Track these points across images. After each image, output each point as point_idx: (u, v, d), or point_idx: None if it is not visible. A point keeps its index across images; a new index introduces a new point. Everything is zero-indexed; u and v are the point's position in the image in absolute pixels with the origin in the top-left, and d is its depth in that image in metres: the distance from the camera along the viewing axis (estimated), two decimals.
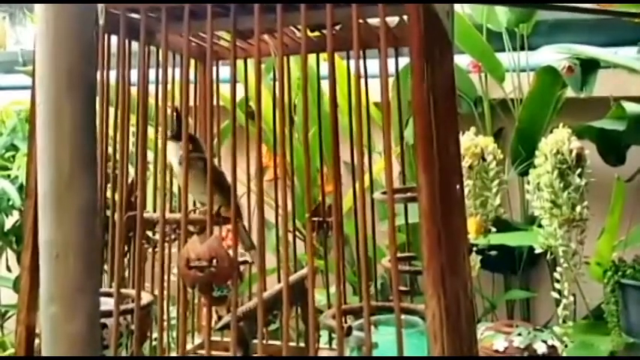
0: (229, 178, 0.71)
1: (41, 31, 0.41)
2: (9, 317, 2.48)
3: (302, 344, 0.95)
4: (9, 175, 2.05)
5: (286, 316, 0.61)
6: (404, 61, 1.01)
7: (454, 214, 0.71)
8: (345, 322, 0.78)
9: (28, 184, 0.64)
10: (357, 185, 0.94)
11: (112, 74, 0.81)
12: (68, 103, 0.40)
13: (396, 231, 0.58)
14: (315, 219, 0.96)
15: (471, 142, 1.76)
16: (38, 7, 0.41)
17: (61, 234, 0.41)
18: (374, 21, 0.76)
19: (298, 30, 0.85)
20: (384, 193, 0.81)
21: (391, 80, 1.01)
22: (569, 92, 2.05)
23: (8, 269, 2.31)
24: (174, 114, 0.86)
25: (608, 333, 1.68)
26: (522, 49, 2.24)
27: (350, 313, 0.82)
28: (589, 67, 2.02)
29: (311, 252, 0.61)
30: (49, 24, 0.40)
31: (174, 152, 0.86)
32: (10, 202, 2.01)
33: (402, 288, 0.88)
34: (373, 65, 0.86)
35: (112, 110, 0.83)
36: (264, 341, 0.93)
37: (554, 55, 2.06)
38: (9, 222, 2.11)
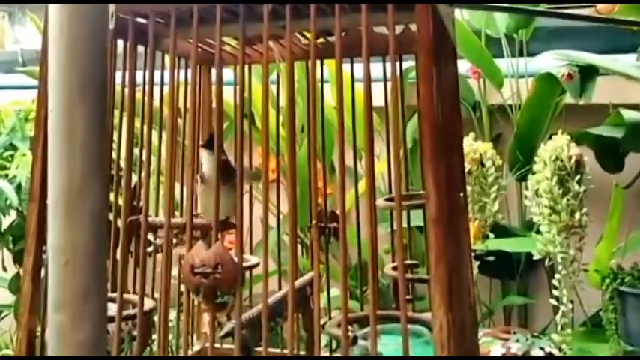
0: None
1: (54, 36, 0.41)
2: (3, 317, 2.47)
3: (302, 351, 0.94)
4: (7, 175, 2.04)
5: (290, 324, 0.61)
6: (404, 64, 1.01)
7: (458, 221, 0.70)
8: (349, 331, 0.78)
9: (32, 187, 0.64)
10: (360, 192, 0.94)
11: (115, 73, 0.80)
12: (81, 109, 0.40)
13: (401, 237, 0.58)
14: (318, 224, 0.96)
15: (470, 147, 1.77)
16: (52, 13, 0.41)
17: (71, 240, 0.41)
18: (378, 29, 0.76)
19: (303, 37, 0.85)
20: (387, 199, 0.81)
21: (389, 84, 1.01)
22: (568, 98, 2.05)
23: (4, 269, 2.30)
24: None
25: (606, 340, 1.68)
26: (521, 55, 2.24)
27: (354, 322, 0.82)
28: (588, 73, 2.02)
29: (317, 258, 0.61)
30: (62, 30, 0.40)
31: (207, 161, 0.83)
32: (8, 202, 2.00)
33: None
34: (374, 68, 0.86)
35: (113, 113, 0.83)
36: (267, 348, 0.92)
37: (553, 61, 2.06)
38: (6, 222, 2.10)
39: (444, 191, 0.52)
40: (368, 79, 0.60)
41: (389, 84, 1.54)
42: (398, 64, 0.93)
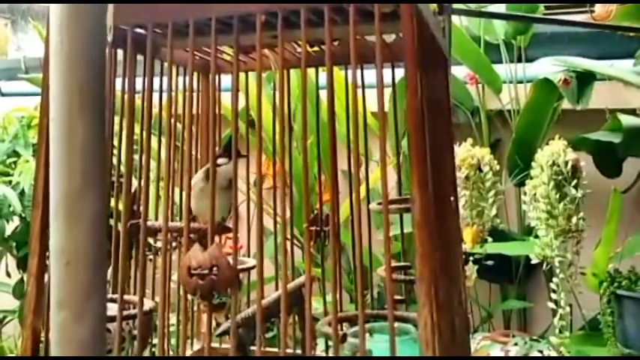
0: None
1: (55, 47, 0.43)
2: (7, 322, 2.49)
3: (298, 351, 0.96)
4: (10, 182, 2.06)
5: (284, 324, 0.62)
6: (401, 72, 1.04)
7: (448, 225, 0.72)
8: (341, 330, 0.80)
9: (35, 193, 0.66)
10: (353, 195, 0.96)
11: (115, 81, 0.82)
12: (80, 119, 0.43)
13: (391, 240, 0.59)
14: (313, 228, 0.98)
15: (468, 152, 1.78)
16: (53, 24, 0.43)
17: (72, 242, 0.43)
18: (372, 38, 0.78)
19: (298, 45, 0.87)
20: (380, 203, 0.83)
21: (389, 90, 1.03)
22: (566, 104, 2.07)
23: (8, 275, 2.32)
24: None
25: (604, 344, 1.69)
26: (519, 60, 2.26)
27: (346, 321, 0.84)
28: (585, 79, 2.05)
29: (309, 261, 0.63)
30: (63, 41, 0.43)
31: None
32: (11, 209, 2.01)
33: (397, 297, 0.89)
34: (371, 75, 0.88)
35: (113, 120, 0.85)
36: (262, 348, 0.94)
37: (551, 67, 2.08)
38: (9, 228, 2.12)
39: (428, 195, 0.54)
40: (356, 87, 0.62)
41: (388, 90, 1.57)
42: (391, 71, 0.95)
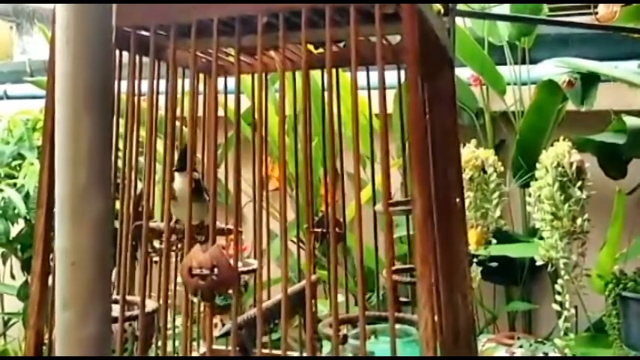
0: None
1: (61, 50, 0.44)
2: (12, 325, 2.50)
3: (305, 353, 0.96)
4: (15, 184, 2.06)
5: (285, 325, 0.62)
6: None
7: (453, 226, 0.72)
8: (344, 332, 0.79)
9: (40, 194, 0.66)
10: (362, 199, 0.96)
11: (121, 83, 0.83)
12: (86, 120, 0.43)
13: (396, 242, 0.59)
14: (319, 230, 0.98)
15: (472, 154, 1.78)
16: (59, 26, 0.44)
17: (77, 243, 0.43)
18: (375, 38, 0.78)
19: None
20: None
21: (394, 92, 1.03)
22: (570, 105, 2.07)
23: (12, 277, 2.33)
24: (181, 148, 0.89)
25: (610, 345, 1.68)
26: (523, 62, 2.26)
27: (348, 322, 0.84)
28: (589, 80, 2.04)
29: (310, 262, 0.63)
30: (69, 43, 0.43)
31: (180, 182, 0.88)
32: (16, 211, 2.02)
33: (403, 299, 0.89)
34: (376, 77, 0.88)
35: (117, 121, 0.85)
36: (266, 350, 0.94)
37: (555, 68, 2.08)
38: (14, 230, 2.12)
39: (429, 194, 0.54)
40: (356, 88, 0.62)
41: (392, 92, 1.56)
42: (396, 72, 0.95)
